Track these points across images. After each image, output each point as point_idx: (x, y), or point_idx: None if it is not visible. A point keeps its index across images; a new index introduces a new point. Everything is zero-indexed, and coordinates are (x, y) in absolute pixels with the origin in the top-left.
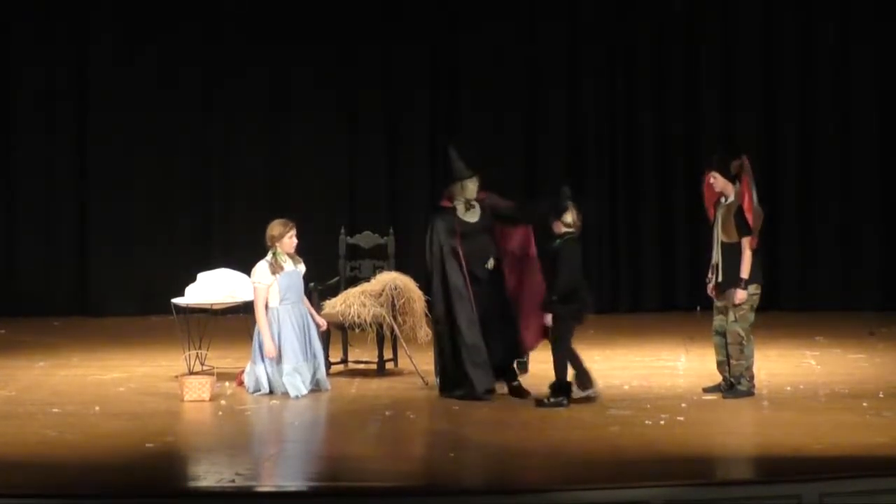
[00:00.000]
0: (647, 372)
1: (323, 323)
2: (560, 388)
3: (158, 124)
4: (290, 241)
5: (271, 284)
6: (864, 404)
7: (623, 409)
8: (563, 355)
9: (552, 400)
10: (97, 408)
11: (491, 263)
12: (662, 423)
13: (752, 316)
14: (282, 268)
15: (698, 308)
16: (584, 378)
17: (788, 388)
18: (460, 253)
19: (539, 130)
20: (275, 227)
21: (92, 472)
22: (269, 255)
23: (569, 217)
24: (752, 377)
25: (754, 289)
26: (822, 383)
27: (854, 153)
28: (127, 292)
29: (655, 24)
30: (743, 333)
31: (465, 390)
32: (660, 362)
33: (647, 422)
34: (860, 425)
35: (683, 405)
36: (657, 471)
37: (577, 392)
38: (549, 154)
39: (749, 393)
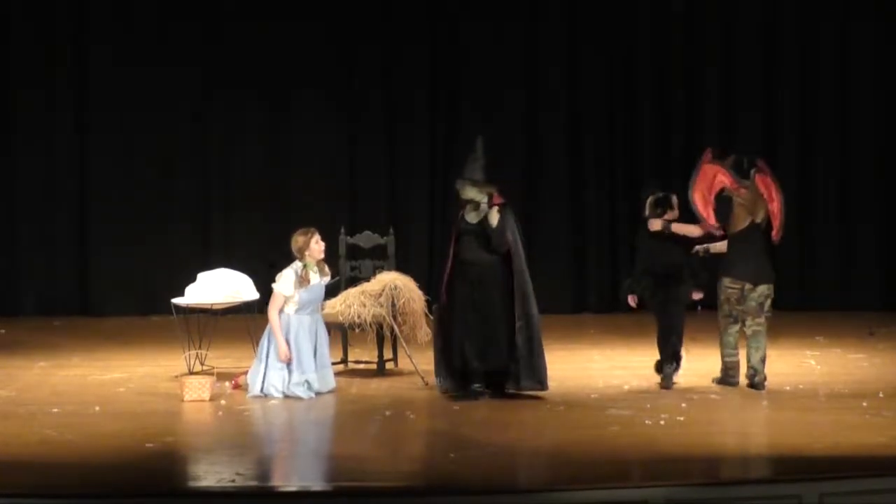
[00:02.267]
0: (647, 372)
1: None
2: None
3: (158, 124)
4: (317, 246)
5: (291, 296)
6: (864, 404)
7: (623, 409)
8: (664, 335)
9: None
10: (97, 408)
11: None
12: (662, 423)
13: (726, 307)
14: (309, 281)
15: (699, 308)
16: (663, 366)
17: (788, 388)
18: (450, 254)
19: (539, 130)
20: (298, 238)
21: (92, 472)
22: (299, 266)
23: (648, 211)
24: (727, 369)
25: (729, 282)
26: (822, 383)
27: (854, 153)
28: (127, 292)
29: (656, 25)
30: (722, 324)
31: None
32: None
33: (647, 422)
34: (860, 425)
35: (683, 405)
36: (657, 471)
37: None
38: (549, 153)
39: (726, 383)
